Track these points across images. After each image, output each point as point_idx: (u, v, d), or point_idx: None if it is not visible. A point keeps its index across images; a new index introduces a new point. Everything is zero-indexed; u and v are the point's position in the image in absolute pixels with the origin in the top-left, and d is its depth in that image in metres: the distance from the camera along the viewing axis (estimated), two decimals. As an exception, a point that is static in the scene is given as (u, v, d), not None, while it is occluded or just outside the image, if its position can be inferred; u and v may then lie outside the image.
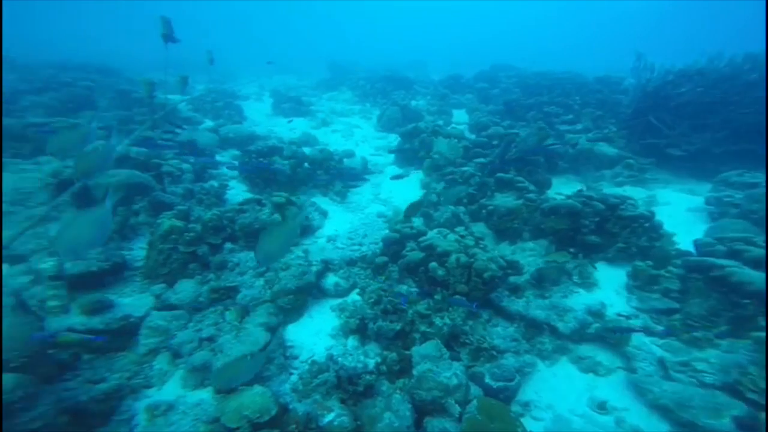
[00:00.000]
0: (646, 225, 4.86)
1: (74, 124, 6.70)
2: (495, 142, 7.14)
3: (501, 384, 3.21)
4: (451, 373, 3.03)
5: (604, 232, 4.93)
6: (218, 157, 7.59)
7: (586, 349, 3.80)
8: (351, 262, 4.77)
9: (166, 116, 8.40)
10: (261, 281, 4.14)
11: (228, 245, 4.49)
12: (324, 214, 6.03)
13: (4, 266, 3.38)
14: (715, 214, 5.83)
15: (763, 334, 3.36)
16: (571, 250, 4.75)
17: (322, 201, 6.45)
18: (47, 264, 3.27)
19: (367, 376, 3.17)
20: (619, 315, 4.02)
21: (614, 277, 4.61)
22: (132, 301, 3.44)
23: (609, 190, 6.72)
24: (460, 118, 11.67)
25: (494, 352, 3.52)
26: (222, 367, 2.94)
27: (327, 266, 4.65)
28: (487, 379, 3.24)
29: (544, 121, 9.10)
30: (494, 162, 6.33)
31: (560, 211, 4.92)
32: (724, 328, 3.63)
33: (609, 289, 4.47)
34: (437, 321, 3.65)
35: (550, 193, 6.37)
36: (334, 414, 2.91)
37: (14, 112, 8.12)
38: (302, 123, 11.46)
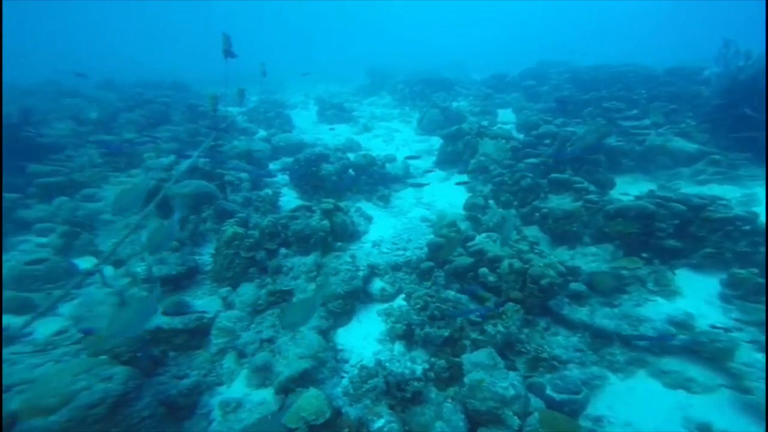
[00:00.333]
0: (746, 228, 4.22)
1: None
2: (547, 142, 6.67)
3: (565, 396, 3.00)
4: (508, 383, 2.89)
5: (687, 236, 4.40)
6: (271, 166, 8.06)
7: (670, 363, 3.40)
8: (396, 267, 4.78)
9: (227, 128, 9.14)
10: (313, 285, 4.31)
11: (282, 250, 4.74)
12: (369, 219, 6.11)
13: (109, 269, 3.92)
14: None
15: None
16: (644, 255, 4.31)
17: (366, 206, 6.53)
18: (140, 268, 3.74)
19: (415, 383, 3.14)
20: (714, 327, 3.54)
21: (702, 285, 4.11)
22: (204, 303, 3.80)
23: (689, 189, 5.94)
24: (506, 117, 11.18)
25: (555, 363, 3.32)
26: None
27: (373, 271, 4.69)
28: (549, 391, 3.05)
29: (603, 117, 8.29)
30: (547, 162, 5.90)
31: (629, 214, 4.46)
32: None
33: (696, 297, 3.99)
34: (489, 329, 3.52)
35: (614, 193, 5.79)
36: (383, 420, 2.91)
37: (114, 129, 9.23)
38: (345, 129, 11.69)
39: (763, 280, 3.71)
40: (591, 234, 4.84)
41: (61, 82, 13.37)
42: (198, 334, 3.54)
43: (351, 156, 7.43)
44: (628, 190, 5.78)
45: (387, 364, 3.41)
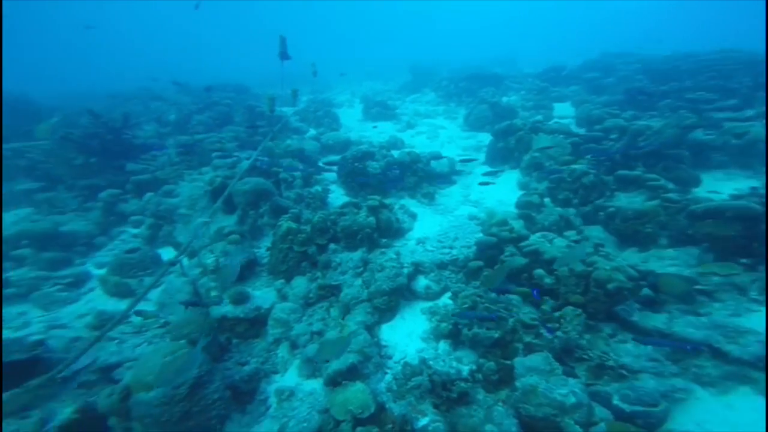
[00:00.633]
0: None
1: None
2: (613, 136, 5.93)
3: (638, 408, 2.75)
4: (568, 390, 2.70)
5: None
6: (319, 164, 8.32)
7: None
8: (442, 266, 4.67)
9: (282, 128, 9.62)
10: (359, 281, 4.37)
11: (332, 245, 4.87)
12: (413, 216, 6.02)
13: (185, 259, 4.39)
14: None
15: None
16: (743, 260, 3.72)
17: (410, 203, 6.44)
18: (210, 259, 4.13)
19: (462, 383, 3.10)
20: None
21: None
22: (261, 294, 4.08)
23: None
24: (563, 111, 10.38)
25: (624, 372, 3.04)
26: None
27: (417, 269, 4.64)
28: (617, 401, 2.82)
29: (687, 109, 7.14)
30: (614, 158, 5.23)
31: (725, 214, 3.82)
32: None
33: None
34: (546, 332, 3.32)
35: (699, 191, 4.96)
36: (428, 419, 2.89)
37: (187, 130, 10.18)
38: (389, 126, 11.65)
39: None
40: (669, 236, 4.23)
41: (152, 87, 15.15)
42: (256, 323, 3.81)
43: (395, 153, 7.37)
44: (719, 187, 4.90)
45: (431, 362, 3.41)
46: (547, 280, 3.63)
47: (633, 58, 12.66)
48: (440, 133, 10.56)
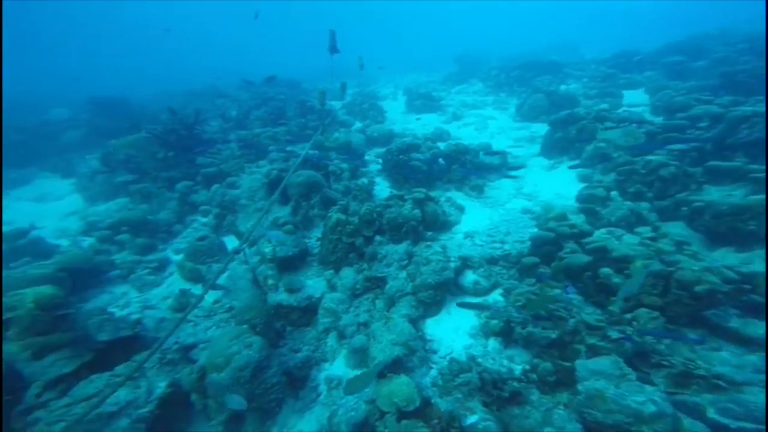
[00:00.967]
0: None
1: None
2: (703, 124, 4.98)
3: (749, 425, 2.39)
4: (645, 398, 2.43)
5: None
6: (366, 156, 8.31)
7: None
8: (492, 261, 4.45)
9: (331, 122, 9.78)
10: (404, 274, 4.30)
11: (378, 237, 4.85)
12: (460, 209, 5.74)
13: (246, 247, 4.67)
14: None
15: None
16: None
17: (457, 196, 6.16)
18: (267, 248, 4.37)
19: (514, 383, 2.95)
20: None
21: None
22: (313, 283, 4.22)
23: None
24: (634, 99, 9.33)
25: (721, 383, 2.68)
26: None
27: (465, 263, 4.45)
28: (714, 414, 2.49)
29: None
30: (703, 148, 4.40)
31: None
32: None
33: None
34: (614, 334, 3.03)
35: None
36: (477, 417, 2.80)
37: (247, 125, 10.80)
38: (433, 118, 11.29)
39: None
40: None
41: (217, 85, 16.38)
42: (308, 312, 3.95)
43: (441, 145, 7.06)
44: None
45: (480, 360, 3.30)
46: (616, 280, 3.29)
47: (738, 37, 10.78)
48: (489, 124, 10.04)
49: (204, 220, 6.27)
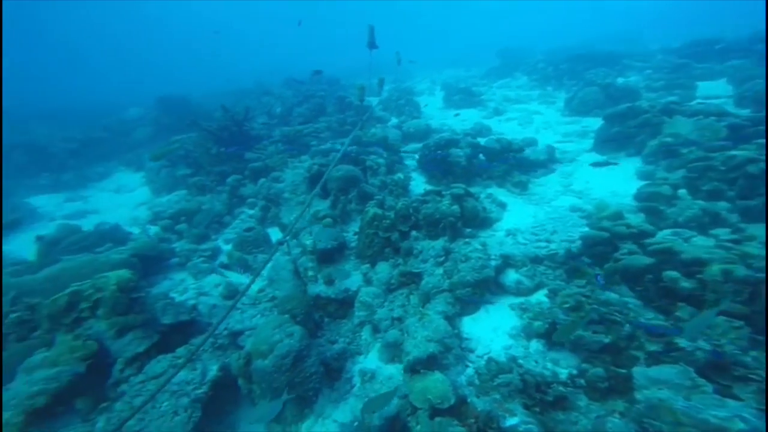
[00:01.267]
0: None
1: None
2: None
3: None
4: (729, 413, 2.17)
5: None
6: (401, 152, 8.16)
7: None
8: (536, 260, 4.20)
9: (368, 118, 9.76)
10: (440, 270, 4.18)
11: (413, 233, 4.76)
12: (502, 206, 5.44)
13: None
14: None
15: None
16: None
17: (498, 192, 5.84)
18: (308, 240, 4.49)
19: (560, 387, 2.81)
20: None
21: None
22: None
23: None
24: (713, 90, 8.41)
25: None
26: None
27: (507, 262, 4.25)
28: None
29: None
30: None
31: None
32: None
33: None
34: (683, 343, 2.76)
35: None
36: (518, 419, 2.68)
37: (290, 121, 11.10)
38: (473, 113, 10.92)
39: None
40: None
41: (263, 83, 17.16)
42: (345, 304, 3.99)
43: (482, 141, 6.73)
44: None
45: (522, 361, 3.16)
46: (685, 284, 2.97)
47: None
48: (534, 119, 9.55)
49: (251, 212, 6.62)
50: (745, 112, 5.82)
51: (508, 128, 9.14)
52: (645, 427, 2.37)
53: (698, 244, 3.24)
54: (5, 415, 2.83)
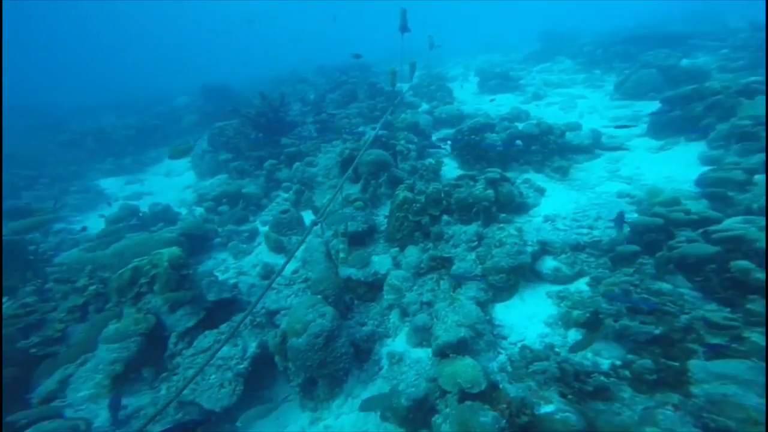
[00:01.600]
0: None
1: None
2: None
3: None
4: None
5: None
6: (433, 137, 7.90)
7: None
8: (577, 247, 3.91)
9: (399, 103, 9.52)
10: (473, 255, 4.02)
11: (445, 217, 4.61)
12: (540, 191, 5.09)
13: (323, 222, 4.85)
14: None
15: None
16: None
17: (536, 177, 5.47)
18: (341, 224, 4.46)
19: (601, 377, 2.69)
20: None
21: None
22: (379, 259, 4.21)
23: None
24: None
25: None
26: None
27: (544, 248, 4.01)
28: None
29: None
30: None
31: None
32: None
33: None
34: (754, 336, 2.52)
35: None
36: (554, 407, 2.56)
37: (323, 108, 11.05)
38: (509, 99, 10.33)
39: None
40: None
41: (298, 71, 17.37)
42: (374, 287, 3.96)
43: (519, 125, 6.29)
44: None
45: (559, 350, 3.01)
46: (757, 275, 2.68)
47: None
48: (578, 104, 8.86)
49: (285, 195, 6.79)
50: None
51: (548, 113, 8.51)
52: (706, 422, 2.18)
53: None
54: (97, 378, 3.23)
